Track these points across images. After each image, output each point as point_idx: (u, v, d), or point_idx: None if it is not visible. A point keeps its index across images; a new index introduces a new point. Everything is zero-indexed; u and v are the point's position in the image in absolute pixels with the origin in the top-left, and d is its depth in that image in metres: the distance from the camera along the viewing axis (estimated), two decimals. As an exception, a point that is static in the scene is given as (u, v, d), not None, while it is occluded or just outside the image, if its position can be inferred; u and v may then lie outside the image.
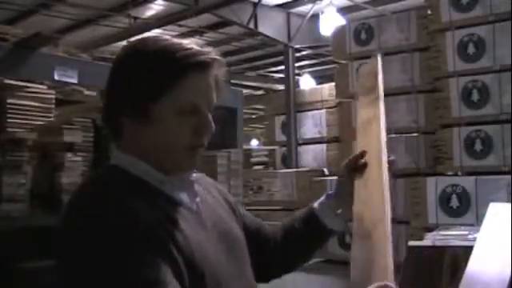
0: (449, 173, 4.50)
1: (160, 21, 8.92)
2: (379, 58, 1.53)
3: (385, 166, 1.28)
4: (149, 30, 9.05)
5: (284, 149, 7.44)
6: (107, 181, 1.13)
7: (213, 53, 1.14)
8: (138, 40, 1.18)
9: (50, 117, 2.61)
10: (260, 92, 13.94)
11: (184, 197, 1.18)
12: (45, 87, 2.64)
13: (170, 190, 1.16)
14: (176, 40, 1.15)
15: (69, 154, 2.57)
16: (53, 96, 2.65)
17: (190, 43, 1.15)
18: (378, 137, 1.34)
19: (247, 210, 1.46)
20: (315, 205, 1.43)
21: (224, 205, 1.32)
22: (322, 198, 1.43)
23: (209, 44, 9.28)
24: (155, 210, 1.08)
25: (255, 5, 8.15)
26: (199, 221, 1.17)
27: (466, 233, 1.79)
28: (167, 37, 1.17)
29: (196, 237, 1.11)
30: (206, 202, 1.24)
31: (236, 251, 1.22)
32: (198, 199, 1.20)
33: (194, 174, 1.23)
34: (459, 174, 4.40)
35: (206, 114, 1.14)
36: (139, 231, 1.02)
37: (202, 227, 1.16)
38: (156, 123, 1.11)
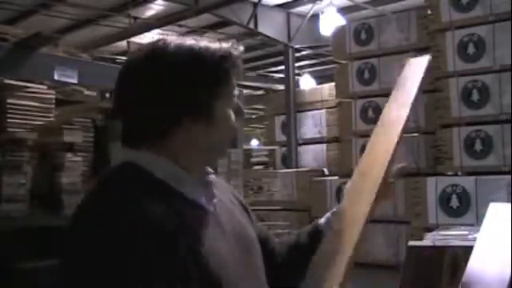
0: (449, 173, 4.51)
1: (160, 21, 8.92)
2: (428, 59, 1.49)
3: (384, 171, 1.29)
4: (149, 30, 9.06)
5: (284, 149, 7.44)
6: (119, 179, 1.12)
7: (234, 44, 1.21)
8: (172, 42, 1.17)
9: (50, 117, 2.61)
10: (260, 92, 13.94)
11: (201, 198, 1.17)
12: (45, 87, 2.64)
13: (188, 191, 1.15)
14: (202, 40, 1.19)
15: (69, 154, 2.57)
16: (53, 96, 2.65)
17: (212, 41, 1.19)
18: (391, 142, 1.33)
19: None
20: (321, 221, 1.41)
21: (240, 208, 1.32)
22: (328, 214, 1.40)
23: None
24: (169, 210, 1.07)
25: (255, 5, 8.15)
26: (216, 223, 1.16)
27: (466, 233, 1.79)
28: (184, 37, 1.20)
29: (212, 239, 1.10)
30: (223, 205, 1.24)
31: (252, 256, 1.22)
32: (215, 200, 1.20)
33: (212, 176, 1.23)
34: (459, 173, 4.40)
35: (242, 108, 1.23)
36: (142, 231, 1.01)
37: (219, 229, 1.15)
38: (218, 120, 1.16)
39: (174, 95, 1.13)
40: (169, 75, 1.14)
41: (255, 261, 1.23)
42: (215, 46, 1.18)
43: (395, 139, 1.34)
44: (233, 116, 1.19)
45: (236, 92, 1.22)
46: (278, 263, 1.38)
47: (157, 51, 1.16)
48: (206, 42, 1.18)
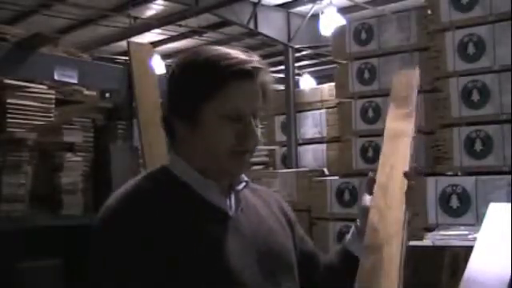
0: (449, 173, 4.50)
1: (160, 21, 8.92)
2: (417, 73, 1.48)
3: (405, 182, 1.27)
4: (149, 30, 9.06)
5: (284, 149, 7.43)
6: (144, 181, 1.19)
7: (255, 61, 1.21)
8: (193, 51, 1.24)
9: (50, 117, 2.61)
10: (260, 92, 13.94)
11: (221, 202, 1.20)
12: (45, 87, 2.64)
13: (210, 195, 1.19)
14: (225, 50, 1.21)
15: (69, 154, 2.57)
16: (53, 96, 2.66)
17: (237, 53, 1.20)
18: (404, 153, 1.32)
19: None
20: (347, 238, 1.40)
21: (281, 219, 1.34)
22: (352, 229, 1.40)
23: (216, 42, 9.30)
24: (184, 212, 1.15)
25: (255, 5, 8.14)
26: (235, 227, 1.19)
27: (466, 233, 1.79)
28: (218, 47, 1.22)
29: (223, 241, 1.15)
30: (256, 212, 1.27)
31: (276, 263, 1.23)
32: (240, 207, 1.23)
33: (244, 183, 1.25)
34: (459, 174, 4.40)
35: (248, 119, 1.18)
36: (147, 231, 1.09)
37: (236, 233, 1.18)
38: (201, 126, 1.17)
39: (170, 97, 1.21)
40: (174, 79, 1.21)
41: (279, 269, 1.23)
42: (230, 55, 1.18)
43: (407, 154, 1.32)
44: (227, 125, 1.15)
45: (242, 106, 1.17)
46: (318, 282, 1.39)
47: (186, 57, 1.22)
48: (226, 51, 1.19)
